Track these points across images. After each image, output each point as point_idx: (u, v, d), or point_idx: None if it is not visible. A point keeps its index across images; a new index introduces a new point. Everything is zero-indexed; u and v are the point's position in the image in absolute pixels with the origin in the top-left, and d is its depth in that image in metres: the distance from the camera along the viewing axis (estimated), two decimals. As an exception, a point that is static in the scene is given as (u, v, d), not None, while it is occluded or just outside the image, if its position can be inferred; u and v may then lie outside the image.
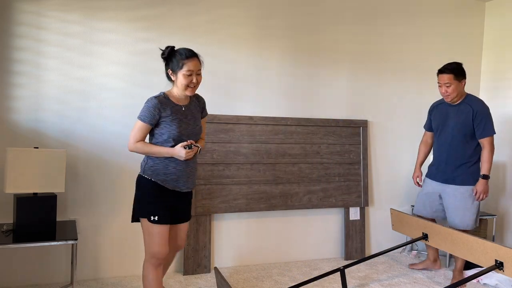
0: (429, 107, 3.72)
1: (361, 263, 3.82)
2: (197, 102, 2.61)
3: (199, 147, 2.48)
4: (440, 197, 3.52)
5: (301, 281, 3.28)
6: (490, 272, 2.80)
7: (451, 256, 3.96)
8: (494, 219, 4.13)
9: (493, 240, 4.08)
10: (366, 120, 4.09)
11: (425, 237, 3.25)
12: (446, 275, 3.67)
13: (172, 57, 2.40)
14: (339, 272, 3.04)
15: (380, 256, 3.85)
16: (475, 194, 3.34)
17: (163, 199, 2.43)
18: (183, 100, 2.49)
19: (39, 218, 2.78)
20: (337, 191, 3.94)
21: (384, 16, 4.15)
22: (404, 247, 4.22)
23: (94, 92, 3.27)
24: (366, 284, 3.42)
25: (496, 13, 4.46)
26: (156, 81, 3.43)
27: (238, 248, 3.72)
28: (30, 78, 3.10)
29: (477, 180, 3.35)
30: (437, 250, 3.74)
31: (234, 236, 3.71)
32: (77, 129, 3.24)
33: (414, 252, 4.19)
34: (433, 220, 3.64)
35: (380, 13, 4.14)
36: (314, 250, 3.99)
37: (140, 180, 2.45)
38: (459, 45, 4.49)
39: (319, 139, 3.90)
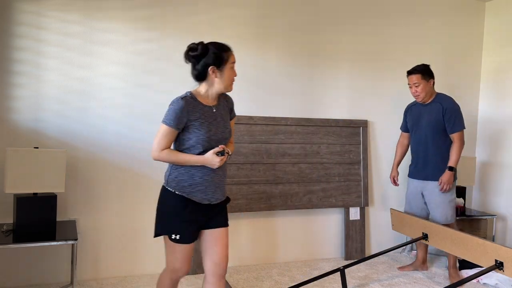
0: (406, 107, 3.83)
1: (361, 263, 3.82)
2: (225, 102, 2.31)
3: (229, 153, 2.22)
4: (423, 194, 3.62)
5: (301, 281, 3.28)
6: (490, 272, 2.80)
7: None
8: (494, 219, 4.14)
9: (493, 240, 4.08)
10: (366, 120, 4.09)
11: (425, 237, 3.25)
12: (446, 275, 3.67)
13: (209, 53, 2.13)
14: (339, 272, 3.04)
15: (380, 256, 3.85)
16: (440, 183, 3.45)
17: (188, 215, 2.15)
18: (212, 101, 2.22)
19: (39, 218, 2.78)
20: (337, 191, 3.94)
21: (384, 16, 4.15)
22: (404, 247, 4.21)
23: (94, 92, 3.27)
24: (366, 284, 3.42)
25: (496, 13, 4.46)
26: (156, 81, 3.43)
27: (238, 248, 3.72)
28: (30, 78, 3.10)
29: (454, 175, 3.48)
30: (426, 251, 3.79)
31: (234, 236, 3.71)
32: (77, 129, 3.24)
33: (414, 252, 4.19)
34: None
35: (380, 13, 4.14)
36: (314, 250, 3.99)
37: (163, 193, 2.19)
38: (459, 45, 4.49)
39: (319, 139, 3.89)
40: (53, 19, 3.14)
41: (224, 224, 2.27)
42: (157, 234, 2.21)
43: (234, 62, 2.19)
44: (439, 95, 3.57)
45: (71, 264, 3.12)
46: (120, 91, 3.34)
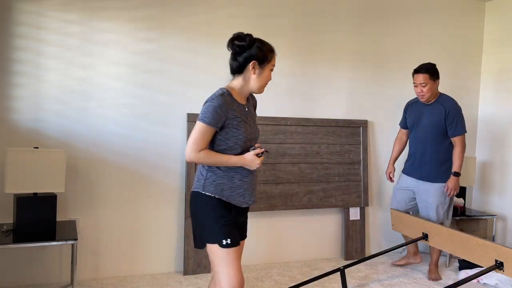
0: (406, 104, 3.80)
1: (361, 263, 3.82)
2: (252, 101, 2.25)
3: (268, 153, 2.16)
4: (414, 193, 3.65)
5: (301, 281, 3.28)
6: (490, 272, 2.80)
7: (451, 256, 3.96)
8: (494, 219, 4.13)
9: (493, 240, 4.08)
10: (366, 120, 4.09)
11: (425, 237, 3.25)
12: (446, 275, 3.67)
13: (254, 47, 2.04)
14: (339, 272, 3.04)
15: (380, 256, 3.84)
16: (447, 190, 3.47)
17: (231, 218, 2.05)
18: (243, 99, 2.13)
19: (39, 218, 2.78)
20: (337, 191, 3.94)
21: (384, 16, 4.15)
22: (404, 247, 4.21)
23: (94, 92, 3.27)
24: (366, 284, 3.42)
25: (496, 13, 4.46)
26: (156, 81, 3.43)
27: (238, 248, 3.72)
28: (30, 78, 3.10)
29: (449, 177, 3.48)
30: (416, 244, 3.82)
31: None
32: (77, 129, 3.24)
33: (414, 252, 4.19)
34: (407, 213, 3.76)
35: (380, 13, 4.14)
36: (314, 250, 3.99)
37: (200, 199, 2.04)
38: (459, 45, 4.49)
39: (319, 139, 3.89)
40: (53, 19, 3.14)
41: (245, 236, 2.25)
42: (201, 245, 2.05)
43: (274, 66, 2.13)
44: (442, 96, 3.54)
45: (71, 264, 3.12)
46: (120, 91, 3.34)
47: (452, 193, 3.46)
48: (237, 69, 2.06)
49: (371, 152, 4.16)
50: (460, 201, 4.00)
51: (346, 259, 3.99)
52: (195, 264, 3.50)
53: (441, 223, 3.51)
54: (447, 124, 3.44)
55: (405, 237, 3.87)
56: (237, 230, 2.08)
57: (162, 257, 3.50)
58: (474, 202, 4.60)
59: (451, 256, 3.97)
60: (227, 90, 2.04)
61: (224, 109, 1.97)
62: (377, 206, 4.21)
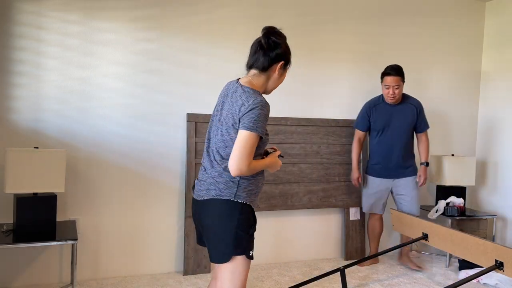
0: (368, 106, 3.74)
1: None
2: None
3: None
4: (391, 191, 3.77)
5: (301, 281, 3.28)
6: (490, 272, 2.80)
7: (451, 256, 3.96)
8: (494, 219, 4.13)
9: (493, 240, 4.08)
10: (366, 120, 4.09)
11: (425, 237, 3.25)
12: (446, 275, 3.67)
13: (286, 47, 1.98)
14: (339, 272, 3.03)
15: (380, 256, 3.84)
16: (419, 179, 3.71)
17: (255, 225, 1.97)
18: None
19: (39, 218, 2.78)
20: (337, 191, 3.94)
21: (384, 16, 4.15)
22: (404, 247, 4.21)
23: (94, 92, 3.27)
24: (366, 284, 3.42)
25: (496, 13, 4.46)
26: (156, 81, 3.43)
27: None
28: (30, 78, 3.10)
29: (416, 169, 3.74)
30: (377, 245, 3.87)
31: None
32: (77, 129, 3.24)
33: (414, 252, 4.19)
34: (376, 214, 3.85)
35: (380, 13, 4.14)
36: (314, 250, 3.99)
37: (232, 207, 1.88)
38: (459, 45, 4.49)
39: (319, 139, 3.89)
40: (53, 19, 3.14)
41: None
42: (225, 259, 1.88)
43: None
44: (406, 96, 3.70)
45: (71, 264, 3.12)
46: (120, 91, 3.34)
47: (425, 182, 3.73)
48: (267, 65, 1.94)
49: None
50: (460, 201, 4.00)
51: (346, 259, 3.99)
52: (195, 264, 3.50)
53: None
54: (417, 122, 3.68)
55: (403, 237, 3.88)
56: None
57: (162, 257, 3.50)
58: (474, 202, 4.60)
59: (451, 256, 3.97)
60: (259, 92, 1.93)
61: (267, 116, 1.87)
62: (377, 206, 4.21)
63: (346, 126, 3.99)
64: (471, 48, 4.54)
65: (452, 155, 4.16)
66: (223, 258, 1.88)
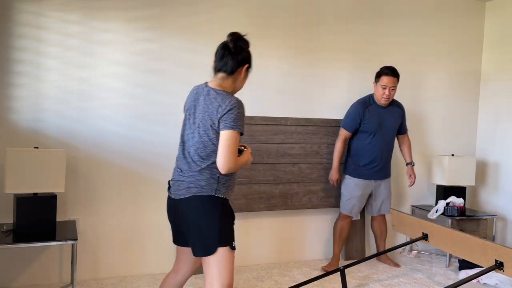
0: (360, 107, 3.64)
1: (361, 263, 3.82)
2: None
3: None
4: (369, 194, 3.76)
5: (301, 281, 3.28)
6: (490, 272, 2.80)
7: (451, 256, 3.96)
8: (494, 219, 4.13)
9: (493, 240, 4.08)
10: (366, 120, 4.09)
11: (425, 237, 3.25)
12: (446, 275, 3.67)
13: (249, 51, 2.09)
14: (339, 272, 3.03)
15: (380, 256, 3.84)
16: (410, 179, 3.81)
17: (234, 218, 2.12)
18: None
19: (39, 218, 2.78)
20: (337, 191, 3.93)
21: (383, 16, 4.15)
22: (404, 247, 4.21)
23: (94, 92, 3.27)
24: (366, 284, 3.42)
25: (496, 13, 4.46)
26: (156, 81, 3.43)
27: (239, 248, 3.71)
28: (30, 78, 3.10)
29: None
30: (341, 249, 3.80)
31: (234, 236, 3.70)
32: (77, 129, 3.24)
33: (414, 252, 4.19)
34: (350, 217, 3.78)
35: (379, 13, 4.14)
36: (314, 250, 3.99)
37: (214, 202, 1.99)
38: (459, 45, 4.49)
39: (319, 139, 3.89)
40: (53, 19, 3.14)
41: None
42: (210, 251, 1.96)
43: None
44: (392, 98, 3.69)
45: (71, 264, 3.12)
46: (120, 91, 3.34)
47: (414, 182, 3.82)
48: (235, 68, 2.05)
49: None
50: (460, 201, 4.01)
51: (346, 259, 3.99)
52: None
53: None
54: (402, 123, 3.77)
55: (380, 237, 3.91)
56: None
57: (162, 257, 3.50)
58: (474, 202, 4.60)
59: (451, 256, 3.97)
60: (231, 94, 2.04)
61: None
62: (377, 206, 4.21)
63: (346, 126, 3.98)
64: (471, 48, 4.54)
65: (452, 155, 4.16)
66: (209, 250, 1.96)
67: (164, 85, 3.45)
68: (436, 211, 3.92)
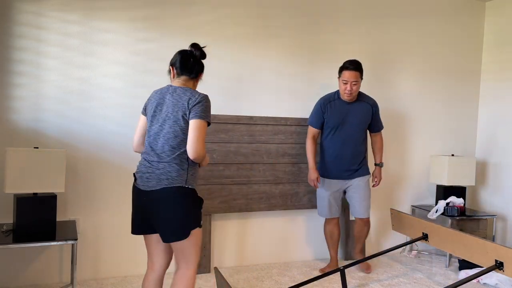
0: (322, 102, 3.53)
1: (361, 263, 3.81)
2: None
3: None
4: (344, 192, 3.65)
5: (301, 281, 3.28)
6: (490, 272, 2.80)
7: (451, 256, 3.96)
8: (494, 219, 4.13)
9: (493, 240, 4.08)
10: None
11: (425, 237, 3.25)
12: (446, 275, 3.67)
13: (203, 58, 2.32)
14: (339, 272, 3.03)
15: (380, 256, 3.84)
16: (376, 180, 3.71)
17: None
18: None
19: (39, 218, 2.78)
20: (337, 191, 3.93)
21: (383, 16, 4.15)
22: (404, 247, 4.22)
23: (94, 92, 3.27)
24: (366, 284, 3.42)
25: (496, 13, 4.46)
26: (156, 81, 3.43)
27: (238, 248, 3.72)
28: (30, 78, 3.10)
29: (368, 168, 3.64)
30: (337, 250, 3.71)
31: (234, 236, 3.71)
32: (77, 129, 3.24)
33: (414, 252, 4.19)
34: (334, 218, 3.66)
35: (380, 13, 4.14)
36: (314, 250, 3.99)
37: (185, 193, 2.14)
38: (459, 45, 4.49)
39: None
40: (53, 19, 3.14)
41: None
42: (184, 235, 2.13)
43: None
44: (363, 94, 3.57)
45: (71, 264, 3.12)
46: (120, 91, 3.34)
47: (379, 183, 3.75)
48: (199, 72, 2.29)
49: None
50: (460, 201, 4.01)
51: (346, 259, 3.99)
52: (195, 264, 3.50)
53: (368, 218, 3.63)
54: (373, 121, 3.59)
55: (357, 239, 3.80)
56: None
57: (162, 257, 3.50)
58: (474, 202, 4.60)
59: (451, 256, 3.97)
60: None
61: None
62: (377, 206, 4.21)
63: (346, 126, 3.98)
64: (471, 48, 4.54)
65: (452, 155, 4.16)
66: (185, 234, 2.13)
67: (164, 85, 3.44)
68: (436, 211, 3.92)
